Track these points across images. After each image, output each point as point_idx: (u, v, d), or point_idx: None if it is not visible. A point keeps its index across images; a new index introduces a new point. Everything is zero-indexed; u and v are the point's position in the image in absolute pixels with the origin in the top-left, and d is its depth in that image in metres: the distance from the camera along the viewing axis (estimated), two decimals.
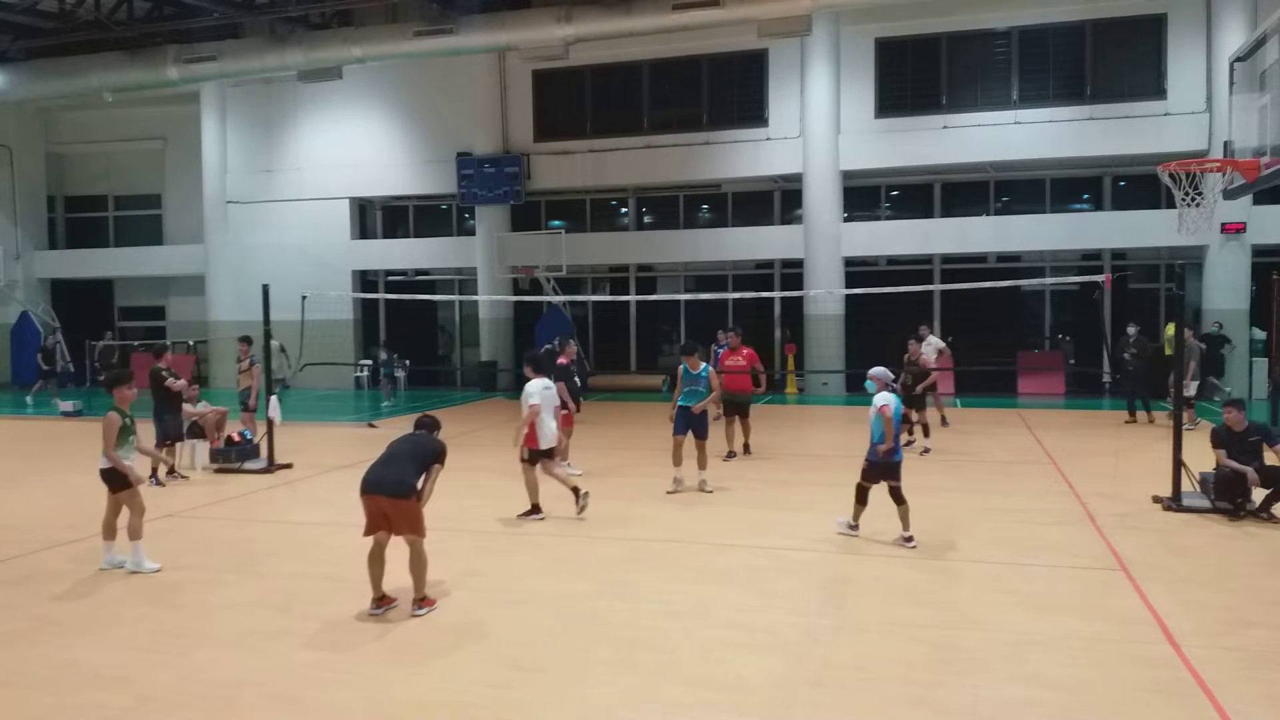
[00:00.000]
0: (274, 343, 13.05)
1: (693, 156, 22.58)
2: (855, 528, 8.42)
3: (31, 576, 7.61)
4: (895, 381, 8.68)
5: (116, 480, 7.73)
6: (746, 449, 12.97)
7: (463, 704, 5.13)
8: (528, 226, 24.07)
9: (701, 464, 10.73)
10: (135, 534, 7.65)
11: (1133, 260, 21.99)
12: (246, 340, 13.79)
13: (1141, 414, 16.03)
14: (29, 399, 21.54)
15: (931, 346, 14.62)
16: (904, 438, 9.25)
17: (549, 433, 9.33)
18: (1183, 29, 19.62)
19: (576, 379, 12.76)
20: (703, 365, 10.95)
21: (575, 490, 9.43)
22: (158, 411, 11.67)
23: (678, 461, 10.62)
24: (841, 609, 6.62)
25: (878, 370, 8.64)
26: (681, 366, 10.93)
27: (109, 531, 7.79)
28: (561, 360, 12.53)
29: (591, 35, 19.36)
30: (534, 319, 23.42)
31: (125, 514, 7.76)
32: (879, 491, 8.32)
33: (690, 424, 10.62)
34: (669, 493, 10.47)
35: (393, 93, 24.36)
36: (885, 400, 8.28)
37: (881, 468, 8.24)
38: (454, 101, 23.90)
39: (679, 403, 10.77)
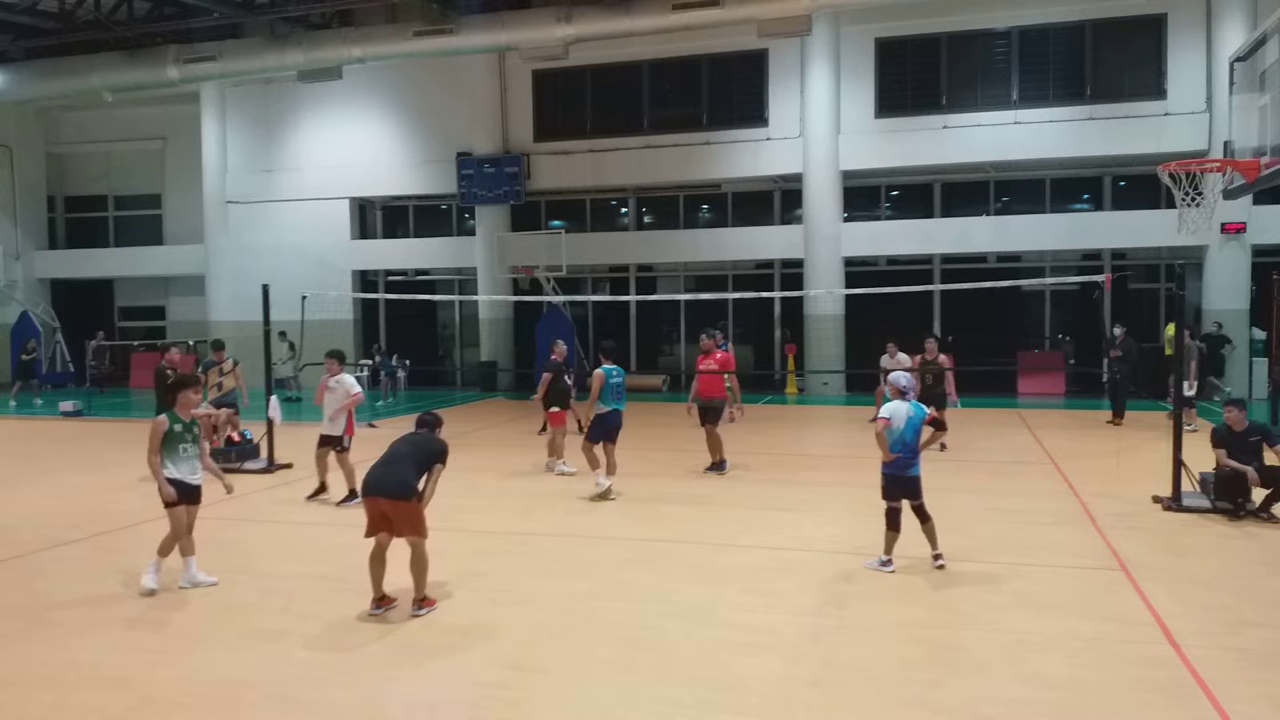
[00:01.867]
0: (280, 335, 13.03)
1: (693, 156, 22.59)
2: (889, 562, 7.45)
3: (31, 576, 7.61)
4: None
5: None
6: (715, 465, 11.89)
7: (463, 704, 5.14)
8: (528, 226, 24.07)
9: (609, 468, 10.59)
10: (164, 550, 7.16)
11: (1133, 260, 21.99)
12: (221, 345, 13.72)
13: (1127, 415, 15.96)
14: (33, 399, 21.61)
15: (902, 362, 14.53)
16: (939, 441, 8.57)
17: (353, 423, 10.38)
18: (1183, 29, 19.62)
19: (566, 379, 12.67)
20: (601, 367, 10.64)
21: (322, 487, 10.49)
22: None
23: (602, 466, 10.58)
24: (841, 609, 6.62)
25: (893, 375, 7.85)
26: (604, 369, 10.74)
27: (181, 548, 7.19)
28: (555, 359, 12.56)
29: (591, 35, 19.36)
30: (534, 319, 23.41)
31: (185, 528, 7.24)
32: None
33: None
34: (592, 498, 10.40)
35: (393, 93, 24.36)
36: (888, 412, 7.47)
37: (900, 482, 7.48)
38: (454, 101, 23.90)
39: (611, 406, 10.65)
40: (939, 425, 7.56)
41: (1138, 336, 17.02)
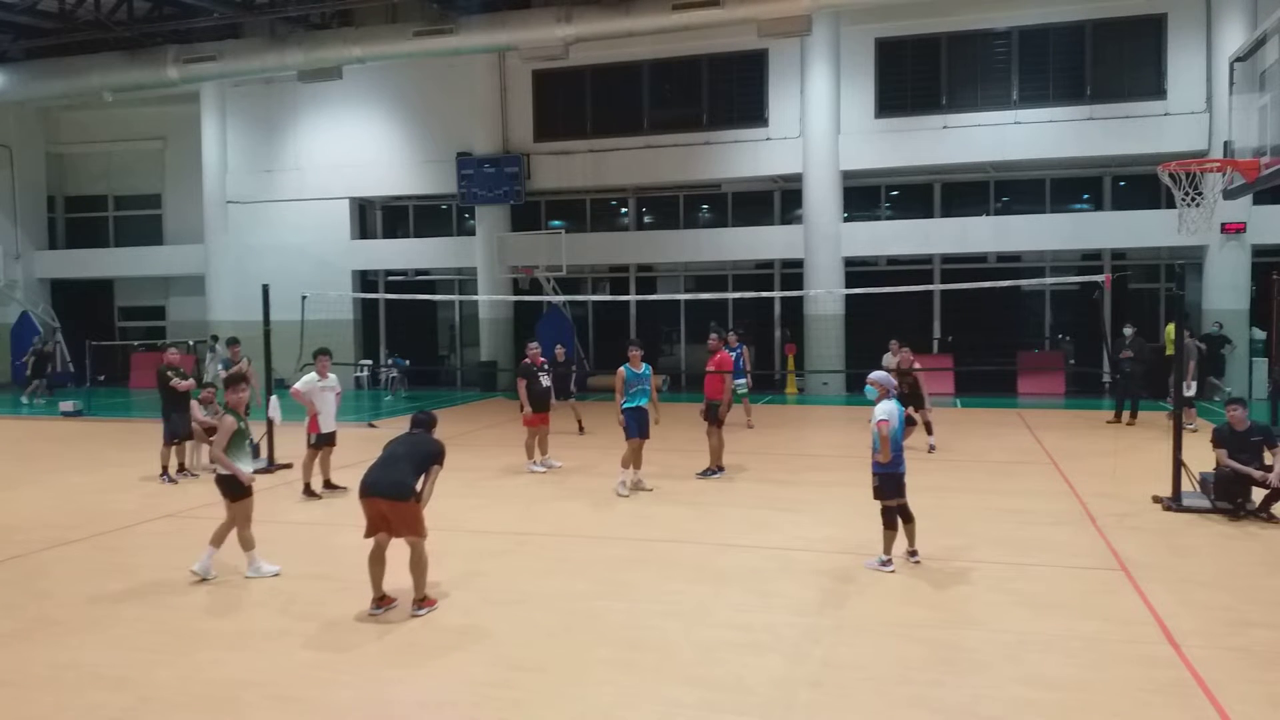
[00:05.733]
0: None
1: (693, 156, 22.58)
2: (889, 562, 7.47)
3: (31, 576, 7.61)
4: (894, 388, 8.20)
5: (233, 488, 7.50)
6: (707, 471, 11.68)
7: (463, 704, 5.14)
8: (528, 226, 24.07)
9: (639, 463, 10.83)
10: (246, 545, 7.53)
11: (1133, 260, 21.99)
12: (236, 341, 13.80)
13: (1125, 414, 15.93)
14: (34, 399, 21.56)
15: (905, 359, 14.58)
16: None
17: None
18: (1183, 29, 19.62)
19: (541, 380, 12.65)
20: (644, 365, 10.89)
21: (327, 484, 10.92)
22: (165, 410, 11.89)
23: (628, 464, 10.72)
24: (841, 609, 6.62)
25: (878, 375, 7.88)
26: (624, 367, 10.79)
27: (245, 541, 7.53)
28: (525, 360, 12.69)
29: (591, 35, 19.36)
30: (534, 319, 23.42)
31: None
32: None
33: (643, 425, 10.73)
34: (621, 495, 10.49)
35: (393, 93, 24.36)
36: (885, 414, 7.49)
37: (897, 480, 7.51)
38: (454, 101, 23.90)
39: (628, 404, 10.67)
40: (910, 423, 7.66)
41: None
